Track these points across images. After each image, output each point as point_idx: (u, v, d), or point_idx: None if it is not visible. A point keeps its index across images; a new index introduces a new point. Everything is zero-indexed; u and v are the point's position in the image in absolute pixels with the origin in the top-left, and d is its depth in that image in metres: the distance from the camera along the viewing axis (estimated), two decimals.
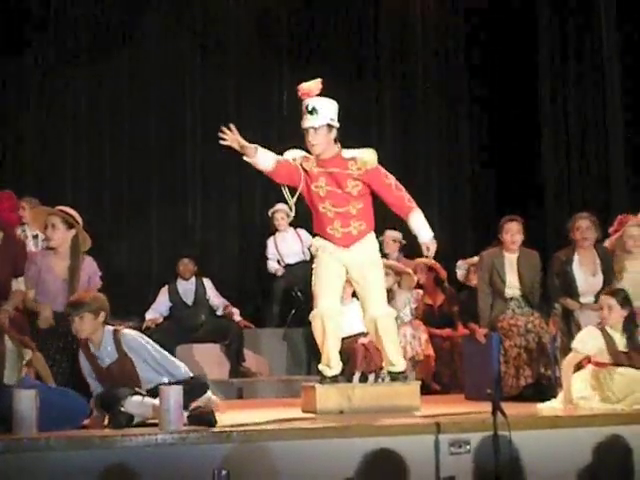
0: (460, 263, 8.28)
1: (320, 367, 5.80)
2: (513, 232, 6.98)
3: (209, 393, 5.30)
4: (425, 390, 6.64)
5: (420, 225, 5.84)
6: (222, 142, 5.51)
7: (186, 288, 8.48)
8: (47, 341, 5.71)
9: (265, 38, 10.20)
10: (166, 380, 5.10)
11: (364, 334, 7.38)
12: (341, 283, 5.84)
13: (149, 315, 8.35)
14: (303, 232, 8.92)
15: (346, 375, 6.17)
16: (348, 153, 5.78)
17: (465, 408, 5.86)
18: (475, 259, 7.74)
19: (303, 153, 5.79)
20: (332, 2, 10.36)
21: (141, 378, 5.13)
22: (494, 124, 10.43)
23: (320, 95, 5.73)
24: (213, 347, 8.23)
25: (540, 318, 6.83)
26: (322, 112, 5.67)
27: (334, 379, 5.72)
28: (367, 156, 5.79)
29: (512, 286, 6.96)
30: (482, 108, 10.64)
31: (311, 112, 5.67)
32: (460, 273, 8.21)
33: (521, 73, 10.18)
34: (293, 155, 5.76)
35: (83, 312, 5.16)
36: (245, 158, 5.59)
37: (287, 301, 9.11)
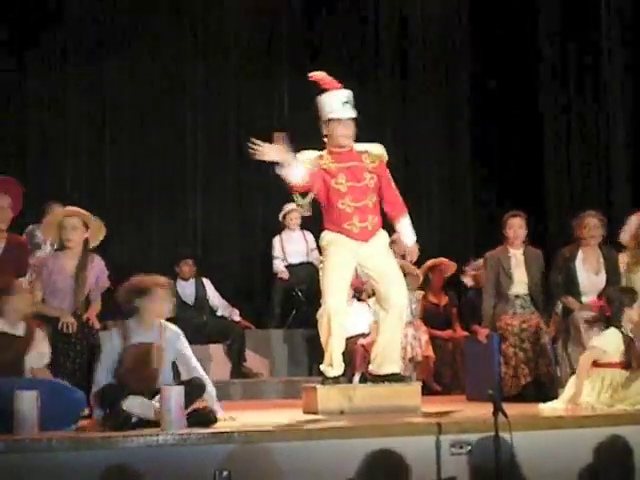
0: (467, 269, 8.31)
1: (322, 367, 5.79)
2: (516, 227, 7.00)
3: (209, 389, 5.22)
4: (426, 391, 6.65)
5: (409, 229, 5.93)
6: (256, 157, 5.37)
7: (186, 288, 8.47)
8: (59, 341, 5.72)
9: (265, 38, 10.20)
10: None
11: (364, 335, 7.40)
12: (349, 282, 5.85)
13: None
14: (309, 234, 8.94)
15: (347, 376, 6.18)
16: (359, 146, 5.81)
17: (466, 409, 5.86)
18: (479, 262, 7.76)
19: (315, 153, 5.78)
20: (332, 2, 10.37)
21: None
22: (494, 124, 10.42)
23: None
24: (214, 347, 8.23)
25: (539, 318, 6.83)
26: (352, 104, 5.71)
27: (336, 380, 5.72)
28: (379, 149, 5.84)
29: (520, 282, 6.95)
30: (482, 108, 10.63)
31: (347, 103, 5.69)
32: (467, 279, 8.24)
33: (521, 73, 10.18)
34: (308, 157, 5.70)
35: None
36: (278, 170, 5.47)
37: (288, 302, 9.11)
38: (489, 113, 10.35)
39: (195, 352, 8.08)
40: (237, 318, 8.49)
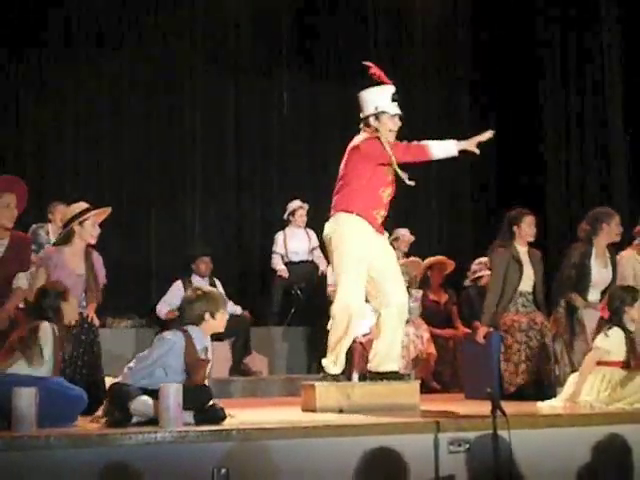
0: (475, 267, 8.32)
1: (324, 362, 5.77)
2: (532, 224, 6.99)
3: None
4: (425, 389, 6.65)
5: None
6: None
7: (201, 285, 8.45)
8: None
9: (265, 39, 10.21)
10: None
11: (364, 334, 7.39)
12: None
13: (164, 308, 8.29)
14: (312, 233, 8.93)
15: (345, 375, 6.18)
16: None
17: (465, 407, 5.85)
18: (484, 259, 7.76)
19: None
20: (332, 2, 10.37)
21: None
22: (494, 124, 10.42)
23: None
24: (215, 345, 8.16)
25: (543, 316, 6.84)
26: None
27: (335, 377, 5.71)
28: None
29: (528, 277, 6.94)
30: (482, 108, 10.64)
31: (395, 100, 5.73)
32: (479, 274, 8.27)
33: (522, 73, 10.19)
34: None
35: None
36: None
37: (287, 300, 9.11)
38: (489, 113, 10.37)
39: None
40: (240, 311, 8.39)
